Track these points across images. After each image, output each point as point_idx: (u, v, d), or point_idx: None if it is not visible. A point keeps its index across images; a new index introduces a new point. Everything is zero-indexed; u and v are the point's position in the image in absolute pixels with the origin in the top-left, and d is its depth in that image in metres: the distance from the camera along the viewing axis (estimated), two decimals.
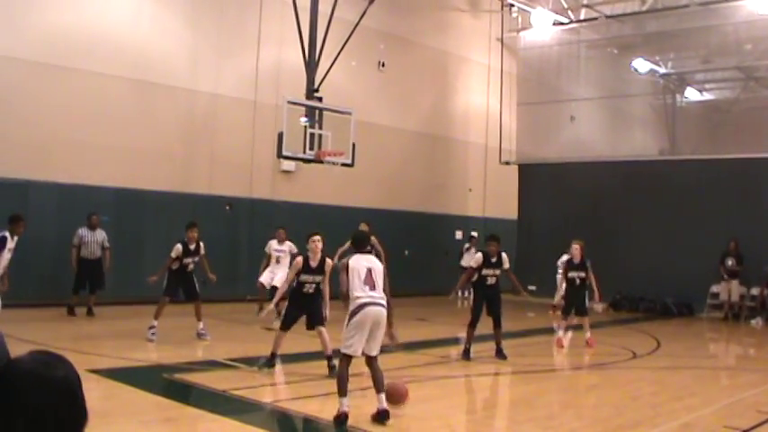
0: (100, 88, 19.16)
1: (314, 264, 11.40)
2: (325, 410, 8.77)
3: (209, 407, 9.27)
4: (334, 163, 18.83)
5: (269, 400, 9.71)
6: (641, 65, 31.04)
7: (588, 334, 15.84)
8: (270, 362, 11.51)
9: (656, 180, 25.15)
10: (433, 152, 27.93)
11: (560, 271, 22.75)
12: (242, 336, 15.88)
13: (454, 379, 12.18)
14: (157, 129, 20.35)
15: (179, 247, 14.39)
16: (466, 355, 13.53)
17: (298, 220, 21.83)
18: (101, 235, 17.50)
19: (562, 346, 15.78)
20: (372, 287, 8.69)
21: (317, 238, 11.46)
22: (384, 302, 8.75)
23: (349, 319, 8.58)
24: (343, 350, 8.63)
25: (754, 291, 22.68)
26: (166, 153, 20.46)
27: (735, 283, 22.52)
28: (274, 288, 16.81)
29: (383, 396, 8.62)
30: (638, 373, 13.58)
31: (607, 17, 27.26)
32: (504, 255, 13.86)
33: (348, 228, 19.96)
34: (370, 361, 8.71)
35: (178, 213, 19.28)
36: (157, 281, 14.33)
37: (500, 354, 13.68)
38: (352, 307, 8.60)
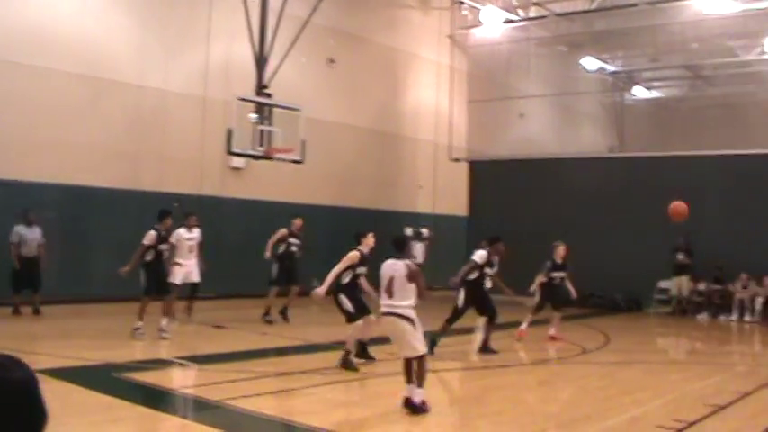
0: (45, 83, 18.79)
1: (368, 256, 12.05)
2: (274, 407, 8.71)
3: (160, 406, 9.15)
4: (283, 160, 18.84)
5: (219, 398, 9.59)
6: (590, 63, 31.36)
7: (554, 330, 16.18)
8: (365, 355, 12.17)
9: (605, 177, 25.38)
10: (383, 149, 27.88)
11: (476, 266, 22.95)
12: (190, 333, 15.70)
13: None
14: (104, 125, 20.01)
15: (152, 233, 14.16)
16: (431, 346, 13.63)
17: (247, 218, 21.76)
18: (37, 232, 17.19)
19: (521, 339, 15.90)
20: (390, 295, 9.13)
21: (372, 234, 12.16)
22: (399, 310, 9.04)
23: None
24: None
25: (701, 286, 23.04)
26: (114, 149, 20.12)
27: (685, 278, 22.82)
28: (195, 285, 16.66)
29: (412, 387, 9.03)
30: (587, 368, 13.69)
31: (556, 15, 27.42)
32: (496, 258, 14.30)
33: None
34: (418, 361, 9.10)
35: (126, 210, 19.09)
36: (130, 272, 13.99)
37: (486, 349, 14.08)
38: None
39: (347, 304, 11.79)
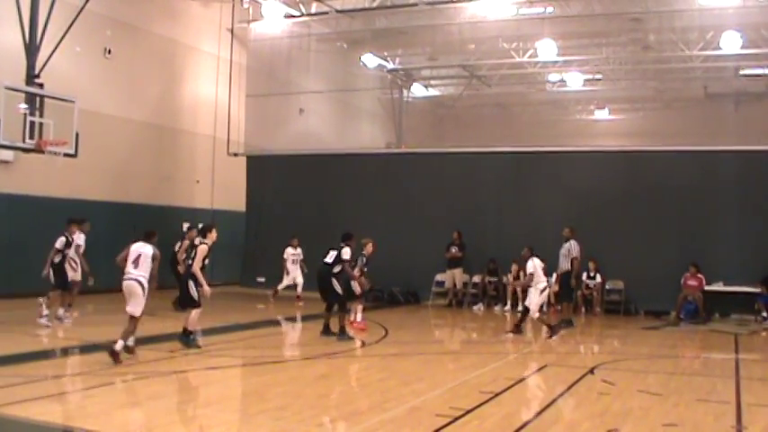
0: None
1: None
2: (51, 412, 8.18)
3: None
4: (56, 153, 18.27)
5: None
6: (370, 60, 31.83)
7: (359, 316, 17.20)
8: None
9: (384, 172, 25.73)
10: (161, 143, 27.07)
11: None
12: None
13: (183, 374, 11.74)
14: None
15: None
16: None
17: (17, 213, 20.56)
18: None
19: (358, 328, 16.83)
20: (136, 266, 11.97)
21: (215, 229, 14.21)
22: (139, 277, 11.91)
23: None
24: None
25: (476, 278, 23.76)
26: None
27: (458, 271, 23.45)
28: None
29: (120, 342, 11.53)
30: (367, 361, 13.83)
31: (337, 12, 27.55)
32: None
33: None
34: (131, 318, 11.86)
35: None
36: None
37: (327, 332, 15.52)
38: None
39: (194, 291, 13.36)
